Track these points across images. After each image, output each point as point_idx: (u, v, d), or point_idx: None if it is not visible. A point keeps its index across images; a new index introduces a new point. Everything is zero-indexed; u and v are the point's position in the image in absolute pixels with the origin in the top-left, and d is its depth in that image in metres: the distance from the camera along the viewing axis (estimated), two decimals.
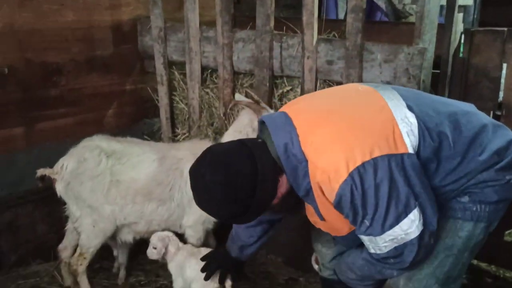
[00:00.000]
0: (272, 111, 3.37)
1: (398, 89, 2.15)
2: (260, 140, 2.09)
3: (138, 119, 4.48)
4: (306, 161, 1.97)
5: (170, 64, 4.24)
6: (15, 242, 3.80)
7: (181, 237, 3.39)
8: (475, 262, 3.81)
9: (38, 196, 3.73)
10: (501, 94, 3.46)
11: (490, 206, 2.05)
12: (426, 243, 1.96)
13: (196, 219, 3.34)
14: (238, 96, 3.54)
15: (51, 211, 3.75)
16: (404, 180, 1.87)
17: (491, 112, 3.47)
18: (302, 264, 3.69)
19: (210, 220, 3.38)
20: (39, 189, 3.28)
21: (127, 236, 3.37)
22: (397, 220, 1.88)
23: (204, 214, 3.27)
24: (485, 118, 2.15)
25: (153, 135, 4.42)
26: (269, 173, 2.02)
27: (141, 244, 3.94)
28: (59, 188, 3.24)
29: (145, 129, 4.46)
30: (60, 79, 3.88)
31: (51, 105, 3.86)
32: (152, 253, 3.03)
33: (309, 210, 2.21)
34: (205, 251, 3.06)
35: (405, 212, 1.88)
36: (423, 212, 1.91)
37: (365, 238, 2.01)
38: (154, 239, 3.05)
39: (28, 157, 3.75)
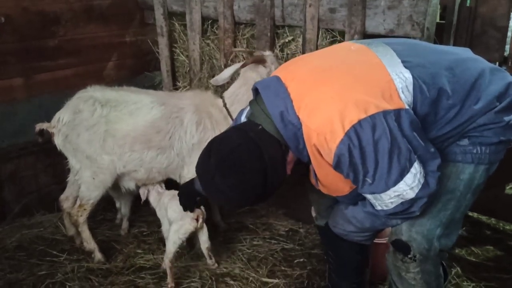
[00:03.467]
0: (269, 53, 3.32)
1: (391, 44, 2.10)
2: (260, 127, 2.06)
3: (138, 72, 4.44)
4: (302, 125, 1.96)
5: (170, 15, 4.17)
6: (18, 193, 3.84)
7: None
8: (475, 215, 3.85)
9: (40, 147, 3.73)
10: (507, 48, 3.40)
11: (491, 147, 2.04)
12: (432, 192, 1.94)
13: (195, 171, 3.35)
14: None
15: (54, 162, 3.78)
16: (402, 135, 1.85)
17: (497, 64, 3.41)
18: (302, 216, 3.72)
19: None
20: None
21: (128, 184, 3.37)
22: (401, 175, 1.87)
23: None
24: (482, 63, 2.11)
25: (154, 89, 4.39)
26: (277, 159, 2.02)
27: None
28: (58, 142, 3.24)
29: (146, 82, 4.42)
30: (58, 29, 3.84)
31: (50, 56, 3.83)
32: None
33: (311, 172, 2.22)
34: None
35: (408, 167, 1.86)
36: (423, 163, 1.90)
37: (369, 196, 2.01)
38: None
39: (28, 108, 3.74)
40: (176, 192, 3.16)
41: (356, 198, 2.19)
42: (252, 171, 1.98)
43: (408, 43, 2.20)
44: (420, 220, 2.11)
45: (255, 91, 2.18)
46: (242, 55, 3.73)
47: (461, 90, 1.98)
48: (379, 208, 2.03)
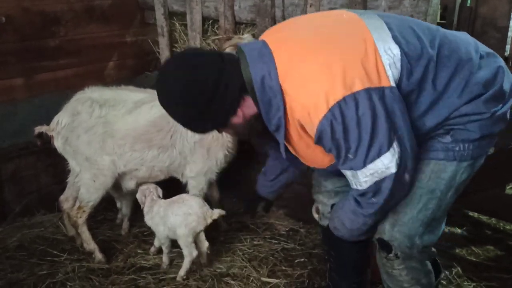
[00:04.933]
0: (246, 35, 3.33)
1: (383, 16, 2.06)
2: (238, 58, 2.03)
3: (139, 72, 4.44)
4: (282, 94, 1.94)
5: (170, 15, 4.17)
6: (19, 193, 3.83)
7: (184, 187, 3.45)
8: (475, 215, 3.85)
9: (40, 147, 3.73)
10: (507, 48, 3.40)
11: (474, 143, 2.02)
12: (402, 180, 1.95)
13: (198, 170, 3.35)
14: None
15: (54, 162, 3.76)
16: (386, 113, 1.85)
17: None
18: (303, 216, 3.72)
19: (212, 171, 3.40)
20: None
21: (129, 183, 3.37)
22: (379, 154, 1.87)
23: (207, 165, 3.33)
24: (475, 46, 2.06)
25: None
26: (232, 87, 1.99)
27: None
28: (58, 145, 3.24)
29: (146, 82, 4.40)
30: (59, 29, 3.84)
31: (51, 56, 3.83)
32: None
33: (281, 145, 2.16)
34: (187, 197, 3.16)
35: (387, 146, 1.86)
36: (401, 146, 1.90)
37: (348, 173, 2.00)
38: (138, 190, 3.28)
39: (28, 108, 3.74)
40: (173, 198, 3.18)
41: (334, 173, 2.19)
42: (204, 77, 1.95)
43: (401, 18, 2.15)
44: (401, 220, 2.12)
45: (239, 51, 2.09)
46: None
47: (445, 71, 1.96)
48: (354, 187, 2.02)
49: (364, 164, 1.90)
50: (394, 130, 1.87)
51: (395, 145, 1.88)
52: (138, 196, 3.27)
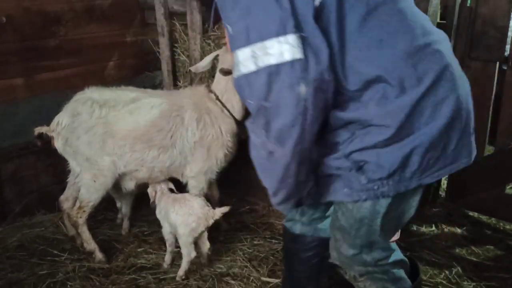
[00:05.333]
0: None
1: None
2: None
3: (139, 72, 4.44)
4: None
5: (170, 15, 4.16)
6: (19, 192, 3.83)
7: (184, 187, 3.45)
8: (475, 215, 3.86)
9: (41, 148, 3.73)
10: (507, 48, 3.41)
11: (393, 178, 1.82)
12: (291, 86, 1.60)
13: (198, 170, 3.35)
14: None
15: (54, 162, 3.76)
16: (289, 1, 1.57)
17: (497, 64, 3.42)
18: None
19: (213, 171, 3.40)
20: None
21: (129, 184, 3.38)
22: (262, 36, 1.59)
23: (207, 165, 3.33)
24: (427, 26, 1.80)
25: (155, 88, 4.39)
26: None
27: (144, 195, 4.00)
28: (58, 145, 3.24)
29: (146, 82, 4.42)
30: (59, 28, 3.83)
31: (51, 56, 3.82)
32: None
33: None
34: (190, 197, 3.16)
35: (275, 31, 1.58)
36: (302, 48, 1.59)
37: (234, 60, 1.71)
38: (150, 185, 3.33)
39: (29, 108, 3.74)
40: (177, 196, 3.19)
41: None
42: None
43: None
44: (342, 247, 2.08)
45: None
46: None
47: (374, 28, 1.69)
48: (235, 75, 1.70)
49: (247, 42, 1.61)
50: (297, 26, 1.59)
51: (290, 38, 1.57)
52: (149, 190, 3.29)
